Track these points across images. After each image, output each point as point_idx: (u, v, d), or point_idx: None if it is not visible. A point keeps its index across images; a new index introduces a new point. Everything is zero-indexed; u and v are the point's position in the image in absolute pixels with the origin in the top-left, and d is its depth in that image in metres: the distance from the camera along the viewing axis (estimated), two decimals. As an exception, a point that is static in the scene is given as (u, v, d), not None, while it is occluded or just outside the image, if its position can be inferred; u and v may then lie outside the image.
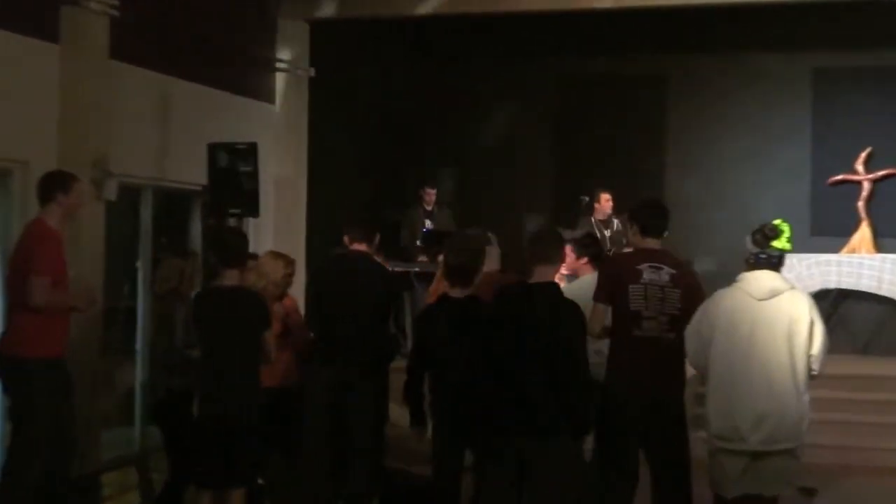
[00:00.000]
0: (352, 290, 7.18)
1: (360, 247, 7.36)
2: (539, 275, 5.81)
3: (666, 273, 6.17)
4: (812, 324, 5.80)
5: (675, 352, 6.16)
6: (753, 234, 6.12)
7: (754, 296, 5.83)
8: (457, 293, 6.38)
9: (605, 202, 12.25)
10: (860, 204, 13.21)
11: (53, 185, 6.66)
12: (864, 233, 13.05)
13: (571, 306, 5.78)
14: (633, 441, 6.16)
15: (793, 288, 5.95)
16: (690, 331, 6.02)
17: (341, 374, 7.06)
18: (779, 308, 5.80)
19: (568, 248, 7.05)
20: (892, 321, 12.44)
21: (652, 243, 6.35)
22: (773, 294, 5.82)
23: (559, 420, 5.58)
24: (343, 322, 7.12)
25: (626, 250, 8.19)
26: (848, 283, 12.36)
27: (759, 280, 5.88)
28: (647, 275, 6.14)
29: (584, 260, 7.33)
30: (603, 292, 6.18)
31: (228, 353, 6.40)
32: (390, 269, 11.17)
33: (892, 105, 13.43)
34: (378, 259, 7.73)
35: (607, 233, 11.89)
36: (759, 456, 5.79)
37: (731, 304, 5.90)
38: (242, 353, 6.42)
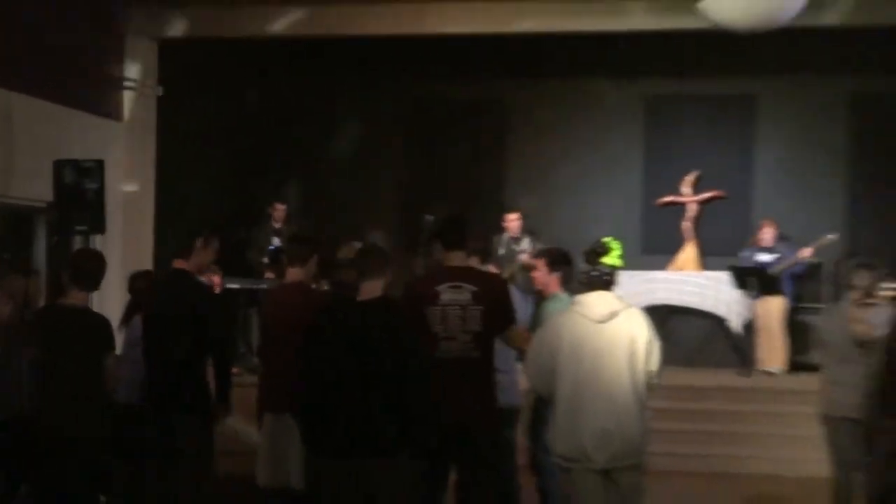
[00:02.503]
0: (161, 315, 6.59)
1: (180, 264, 6.67)
2: (367, 291, 5.63)
3: (467, 291, 6.10)
4: (649, 341, 5.76)
5: (481, 371, 6.12)
6: (585, 253, 6.08)
7: (593, 319, 5.74)
8: None
9: (512, 221, 12.47)
10: (686, 224, 13.47)
11: None
12: (689, 251, 13.31)
13: (401, 321, 5.68)
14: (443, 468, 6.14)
15: (628, 307, 5.90)
16: (529, 359, 5.94)
17: (161, 416, 6.50)
18: (618, 329, 5.74)
19: (540, 262, 7.04)
20: (714, 335, 12.71)
21: (456, 259, 6.27)
22: (612, 315, 5.76)
23: (397, 440, 5.47)
24: (154, 355, 6.60)
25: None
26: (674, 299, 12.59)
27: (597, 302, 5.80)
28: (447, 295, 6.08)
29: (556, 276, 7.13)
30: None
31: (69, 371, 6.14)
32: (240, 286, 11.04)
33: (717, 131, 13.80)
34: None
35: (516, 247, 12.09)
36: (608, 473, 5.70)
37: (571, 329, 5.80)
38: (84, 372, 6.17)
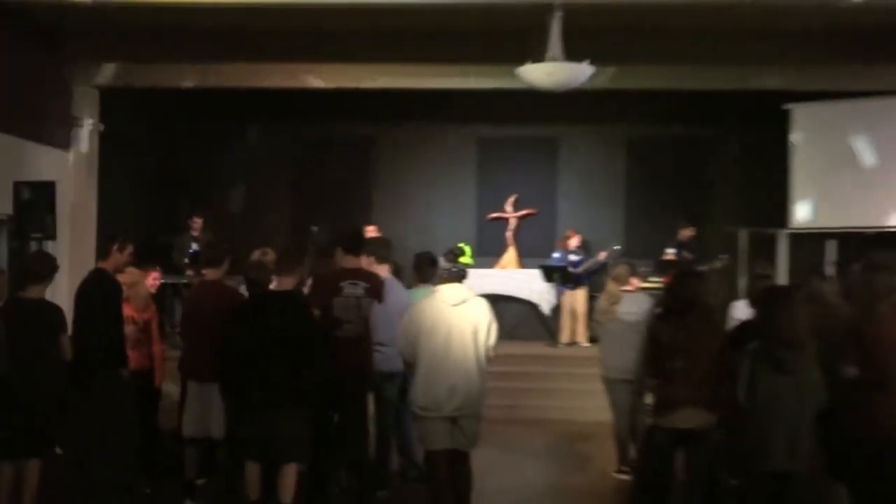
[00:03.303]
0: (85, 302, 6.44)
1: (101, 264, 6.59)
2: (280, 284, 5.83)
3: (361, 287, 6.20)
4: (490, 323, 5.83)
5: (366, 345, 6.27)
6: (445, 254, 6.18)
7: (449, 303, 5.78)
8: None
9: (371, 232, 12.17)
10: (508, 234, 13.70)
11: None
12: (511, 254, 13.54)
13: (304, 308, 5.82)
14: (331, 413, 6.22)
15: (476, 296, 5.92)
16: (400, 332, 5.95)
17: (79, 374, 6.24)
18: (466, 312, 5.79)
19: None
20: (529, 317, 12.83)
21: (351, 262, 6.34)
22: (463, 301, 5.80)
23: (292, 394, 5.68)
24: (79, 330, 6.37)
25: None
26: (500, 289, 12.69)
27: (452, 291, 5.83)
28: (348, 289, 6.15)
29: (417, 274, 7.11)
30: (314, 304, 6.13)
31: (31, 348, 5.94)
32: (167, 281, 10.80)
33: (530, 164, 14.08)
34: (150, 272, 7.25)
35: None
36: (454, 420, 5.76)
37: (431, 310, 5.83)
38: (43, 348, 5.99)
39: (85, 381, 6.30)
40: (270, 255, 6.98)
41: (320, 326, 5.94)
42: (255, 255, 6.99)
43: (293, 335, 5.69)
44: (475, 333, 5.77)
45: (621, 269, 7.63)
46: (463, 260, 6.06)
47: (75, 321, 6.40)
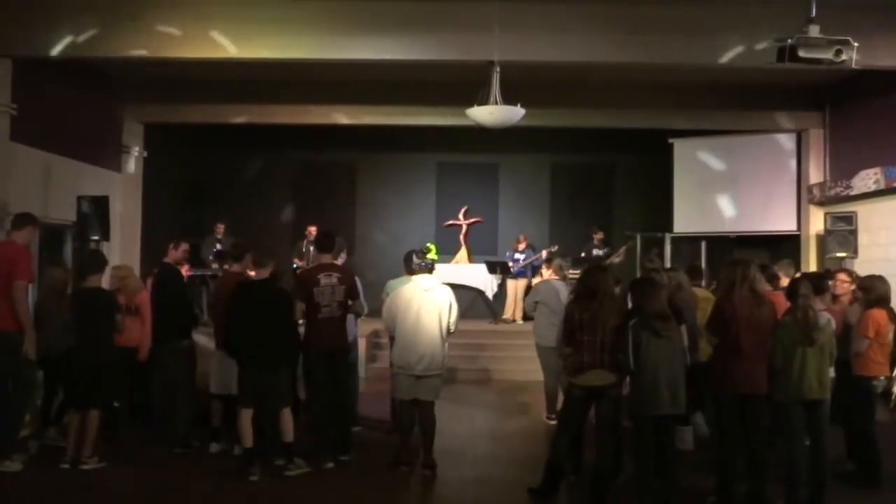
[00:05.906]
0: (160, 288, 6.55)
1: (165, 259, 6.60)
2: (260, 274, 5.80)
3: (334, 277, 6.03)
4: (451, 305, 5.83)
5: (342, 322, 6.07)
6: (417, 252, 6.10)
7: (422, 289, 5.81)
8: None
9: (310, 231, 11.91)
10: (461, 237, 13.72)
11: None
12: (463, 253, 13.59)
13: (284, 293, 5.79)
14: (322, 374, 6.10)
15: (442, 284, 5.93)
16: (385, 309, 5.95)
17: (159, 343, 6.43)
18: (435, 296, 5.80)
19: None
20: (476, 301, 12.95)
21: (326, 258, 6.15)
22: (432, 288, 5.82)
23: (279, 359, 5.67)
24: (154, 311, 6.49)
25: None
26: (455, 279, 12.64)
27: (423, 280, 5.87)
28: (324, 280, 6.03)
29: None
30: (300, 294, 5.94)
31: (93, 325, 5.90)
32: (196, 273, 10.75)
33: (477, 182, 14.01)
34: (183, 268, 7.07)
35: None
36: (420, 377, 5.77)
37: (408, 294, 5.84)
38: (101, 325, 5.94)
39: (157, 349, 6.38)
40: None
41: (294, 307, 5.85)
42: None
43: (276, 313, 5.66)
44: (440, 313, 5.77)
45: (556, 263, 7.72)
46: (430, 256, 6.07)
47: (153, 304, 6.51)
